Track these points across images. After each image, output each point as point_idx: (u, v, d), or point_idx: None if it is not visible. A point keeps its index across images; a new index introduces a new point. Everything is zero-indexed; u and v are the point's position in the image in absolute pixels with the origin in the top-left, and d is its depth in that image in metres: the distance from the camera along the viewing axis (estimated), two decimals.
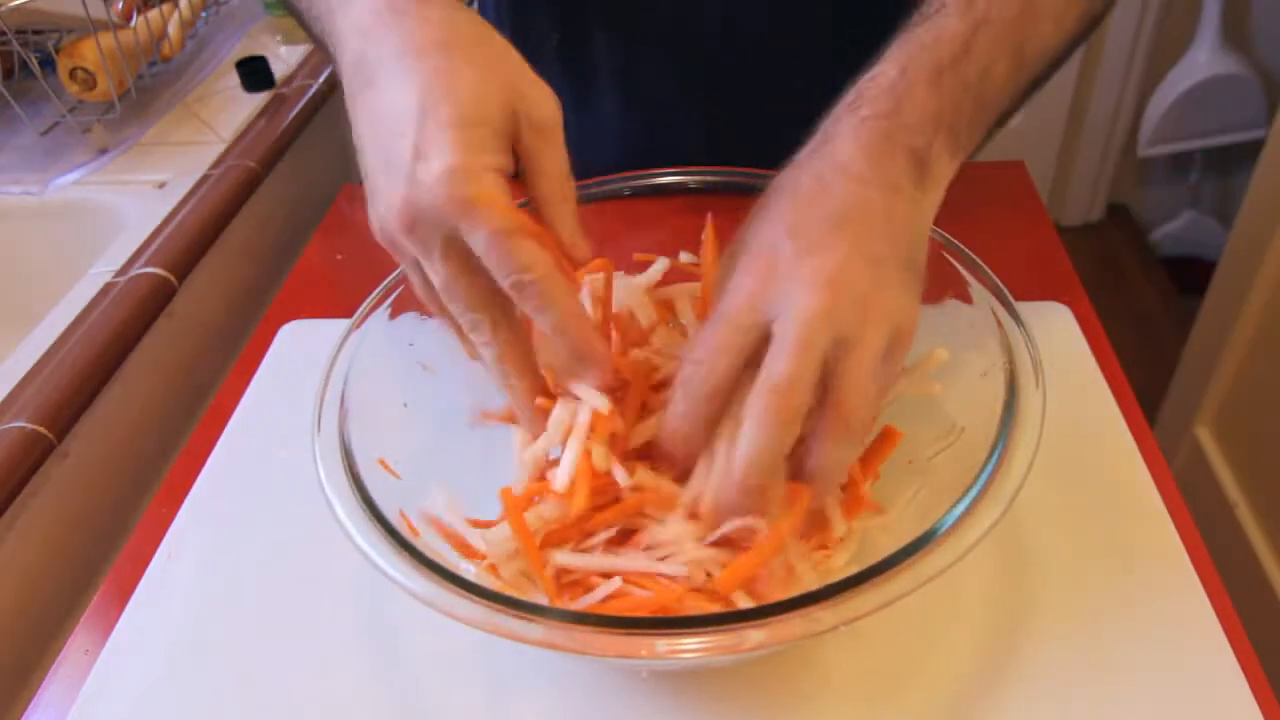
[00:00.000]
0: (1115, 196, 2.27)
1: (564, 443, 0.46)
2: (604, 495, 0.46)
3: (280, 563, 0.55)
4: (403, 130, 0.41)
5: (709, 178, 0.61)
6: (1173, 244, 2.16)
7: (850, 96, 0.45)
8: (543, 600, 0.45)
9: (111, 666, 0.51)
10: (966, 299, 0.51)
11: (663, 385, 0.50)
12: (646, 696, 0.47)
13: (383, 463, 0.48)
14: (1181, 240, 2.15)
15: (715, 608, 0.43)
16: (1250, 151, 1.44)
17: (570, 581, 0.46)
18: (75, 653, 0.53)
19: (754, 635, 0.37)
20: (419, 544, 0.42)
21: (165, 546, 0.57)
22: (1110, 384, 0.61)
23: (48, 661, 0.53)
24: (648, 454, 0.47)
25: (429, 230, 0.41)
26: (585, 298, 0.53)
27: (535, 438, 0.47)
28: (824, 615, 0.37)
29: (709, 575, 0.44)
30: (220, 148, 0.95)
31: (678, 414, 0.43)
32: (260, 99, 1.03)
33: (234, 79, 1.05)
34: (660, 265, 0.58)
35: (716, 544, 0.44)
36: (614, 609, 0.44)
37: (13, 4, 0.90)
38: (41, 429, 0.63)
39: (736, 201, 0.59)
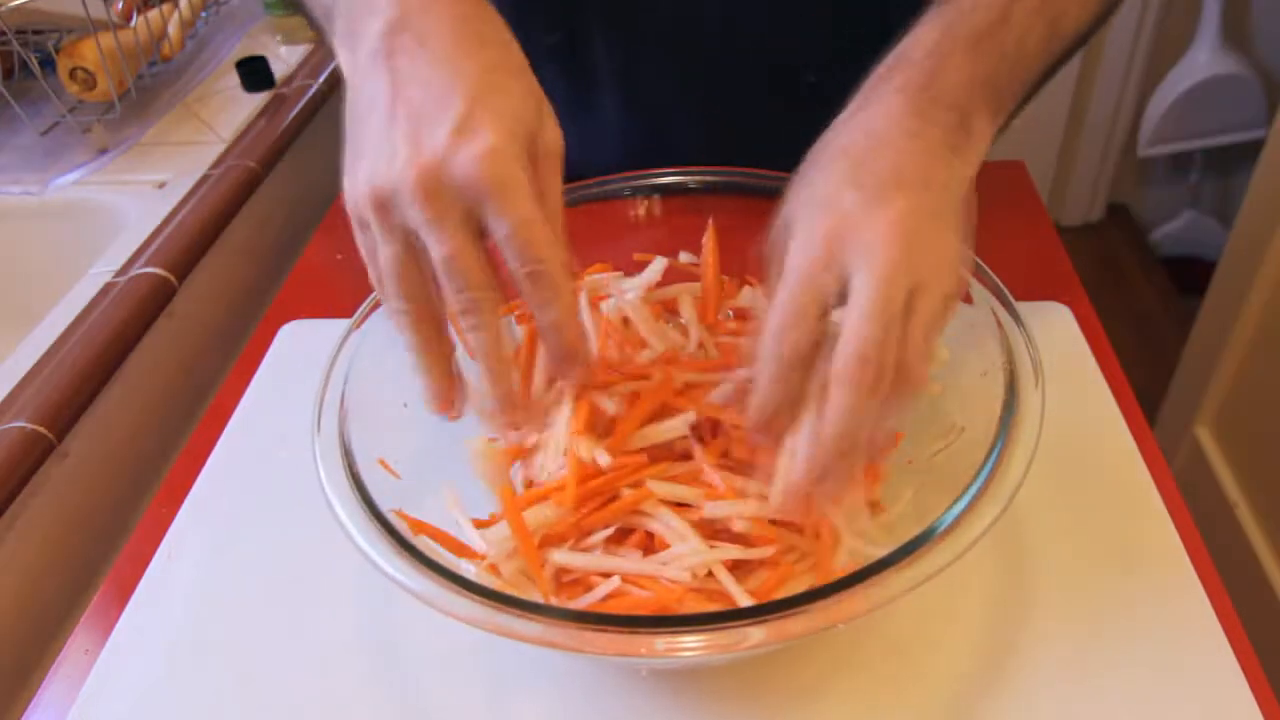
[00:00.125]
0: (1115, 196, 2.27)
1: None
2: (603, 495, 0.46)
3: (280, 563, 0.55)
4: (448, 102, 0.40)
5: (709, 178, 0.61)
6: (1173, 244, 2.16)
7: (890, 59, 0.46)
8: (541, 599, 0.45)
9: (111, 666, 0.51)
10: (966, 299, 0.51)
11: (686, 389, 0.50)
12: (646, 696, 0.47)
13: (383, 463, 0.48)
14: (1181, 240, 2.15)
15: (715, 608, 0.43)
16: (1250, 151, 1.44)
17: (570, 581, 0.46)
18: (75, 653, 0.53)
19: (754, 634, 0.37)
20: (419, 544, 0.42)
21: (165, 546, 0.57)
22: (1110, 384, 0.61)
23: (48, 661, 0.53)
24: (662, 456, 0.47)
25: (450, 200, 0.40)
26: (583, 300, 0.53)
27: (511, 429, 0.47)
28: (823, 614, 0.37)
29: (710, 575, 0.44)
30: (220, 148, 0.95)
31: (767, 386, 0.42)
32: (260, 99, 1.03)
33: (234, 79, 1.05)
34: (659, 265, 0.58)
35: (721, 541, 0.44)
36: (614, 609, 0.44)
37: (13, 4, 0.90)
38: (41, 429, 0.63)
39: (736, 201, 0.59)
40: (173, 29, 1.06)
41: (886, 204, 0.40)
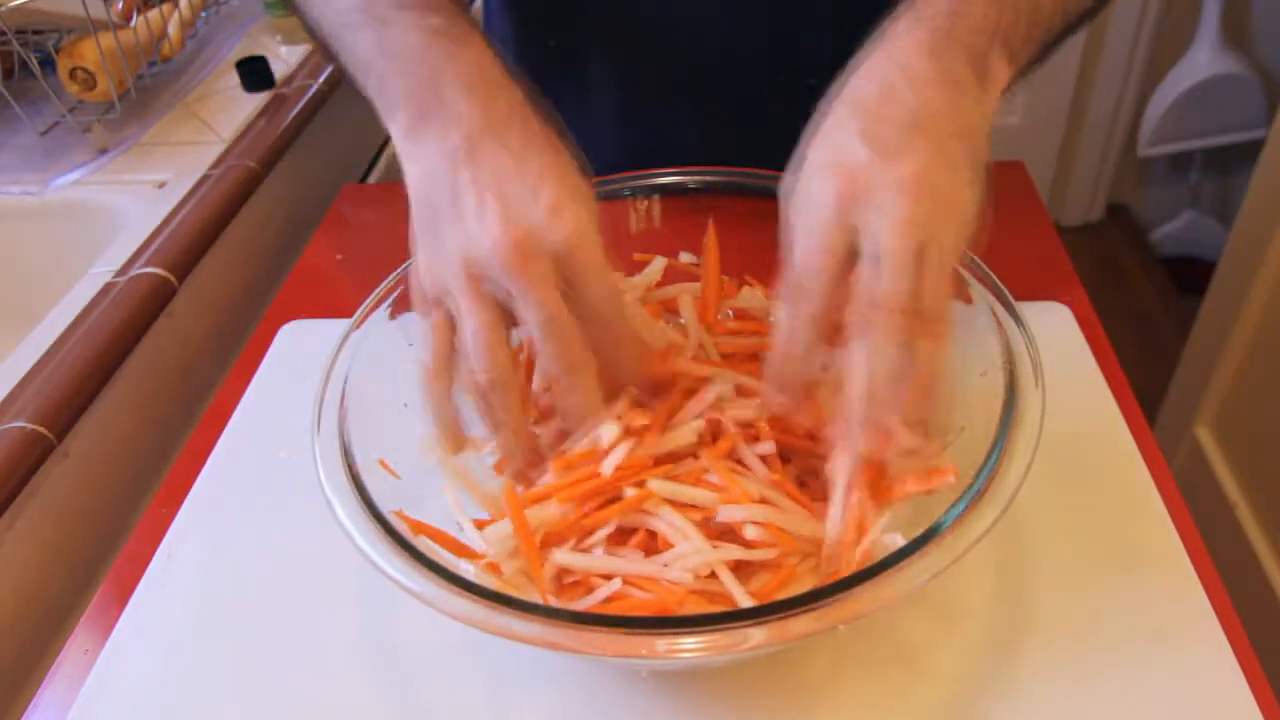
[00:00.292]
0: (1115, 196, 2.27)
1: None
2: (603, 495, 0.46)
3: (280, 563, 0.55)
4: (538, 188, 0.43)
5: (709, 178, 0.61)
6: (1173, 244, 2.16)
7: (903, 7, 0.46)
8: (540, 600, 0.45)
9: (111, 666, 0.51)
10: (966, 299, 0.51)
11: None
12: (646, 696, 0.47)
13: (383, 463, 0.48)
14: (1181, 240, 2.15)
15: (715, 610, 0.43)
16: (1250, 151, 1.44)
17: (571, 583, 0.46)
18: (75, 653, 0.53)
19: (754, 635, 0.37)
20: (419, 544, 0.42)
21: (165, 546, 0.57)
22: (1110, 384, 0.61)
23: (48, 661, 0.53)
24: (665, 458, 0.47)
25: (545, 268, 0.42)
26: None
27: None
28: (824, 614, 0.37)
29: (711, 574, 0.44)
30: (220, 148, 0.95)
31: (788, 342, 0.44)
32: (260, 99, 1.03)
33: (234, 79, 1.05)
34: (658, 265, 0.58)
35: (722, 539, 0.44)
36: (614, 610, 0.44)
37: (13, 4, 0.90)
38: (41, 429, 0.63)
39: (736, 202, 0.59)
40: (173, 29, 1.06)
41: (898, 160, 0.41)
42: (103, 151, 0.96)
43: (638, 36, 0.73)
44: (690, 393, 0.50)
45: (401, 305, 0.53)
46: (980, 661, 0.47)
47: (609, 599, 0.44)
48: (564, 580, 0.46)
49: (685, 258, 0.59)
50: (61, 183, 0.92)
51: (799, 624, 0.37)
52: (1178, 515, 0.53)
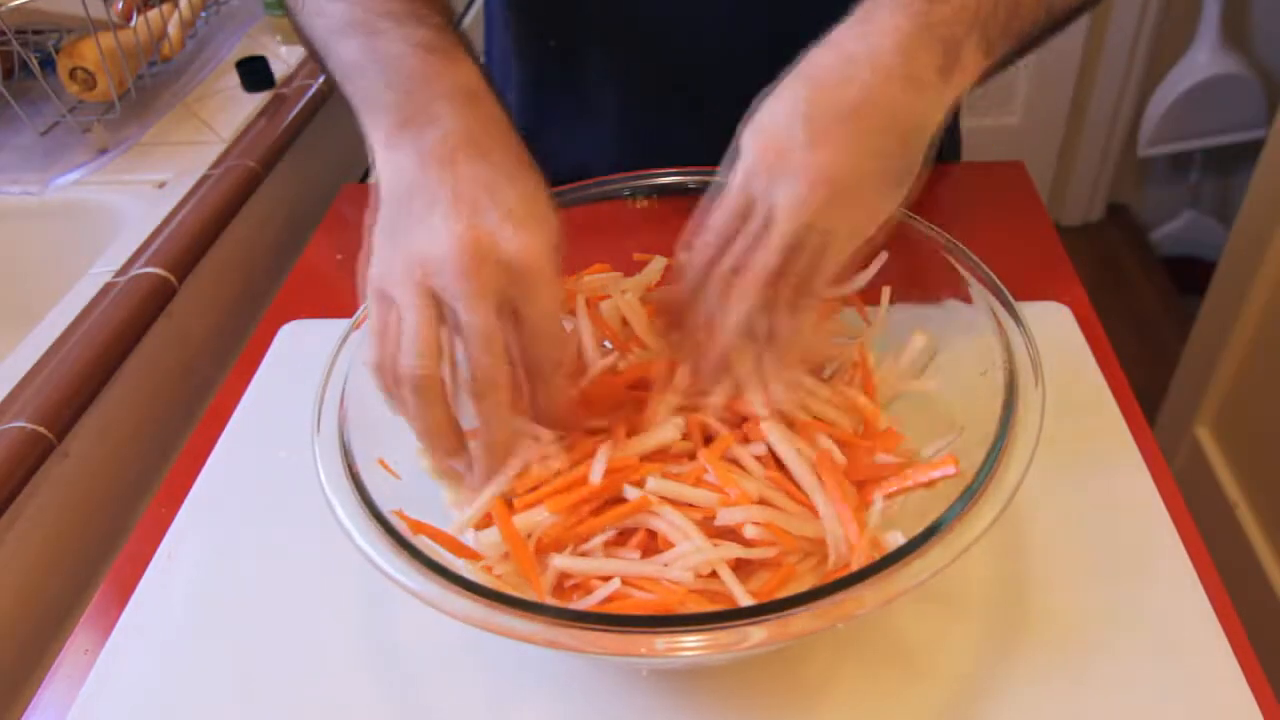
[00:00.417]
0: (1115, 196, 2.27)
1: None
2: (601, 497, 0.46)
3: (280, 563, 0.55)
4: (504, 198, 0.44)
5: (709, 178, 0.60)
6: (1173, 244, 2.16)
7: None
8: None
9: (111, 666, 0.51)
10: (966, 299, 0.51)
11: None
12: (646, 696, 0.47)
13: (382, 463, 0.48)
14: (1181, 240, 2.15)
15: (715, 609, 0.43)
16: (1250, 151, 1.44)
17: (571, 586, 0.46)
18: (75, 653, 0.53)
19: (754, 633, 0.37)
20: (418, 544, 0.42)
21: (165, 546, 0.57)
22: (1110, 384, 0.61)
23: (48, 661, 0.53)
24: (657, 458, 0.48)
25: (491, 277, 0.42)
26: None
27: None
28: (824, 613, 0.37)
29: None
30: (220, 148, 0.95)
31: (686, 286, 0.48)
32: (260, 99, 1.03)
33: (234, 79, 1.05)
34: (658, 265, 0.58)
35: (722, 538, 0.44)
36: (615, 609, 0.44)
37: (13, 4, 0.90)
38: (41, 429, 0.63)
39: None
40: (173, 29, 1.06)
41: (823, 146, 0.43)
42: (103, 151, 0.96)
43: (638, 36, 0.73)
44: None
45: None
46: (979, 660, 0.47)
47: (609, 599, 0.44)
48: (564, 584, 0.46)
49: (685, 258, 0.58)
50: (61, 183, 0.92)
51: (799, 622, 0.37)
52: (1178, 515, 0.53)
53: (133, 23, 0.99)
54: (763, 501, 0.45)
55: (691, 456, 0.48)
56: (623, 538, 0.46)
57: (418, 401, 0.44)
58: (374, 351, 0.45)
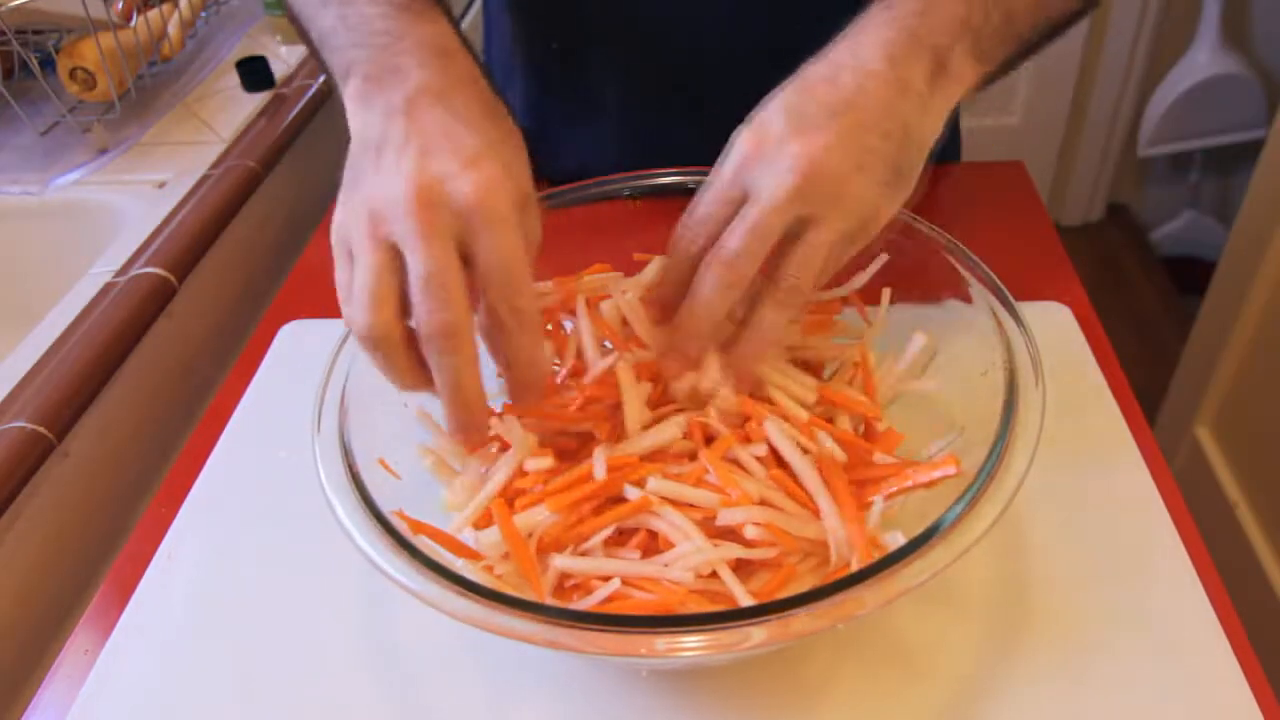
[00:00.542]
0: (1115, 196, 2.27)
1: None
2: (601, 497, 0.46)
3: (280, 563, 0.55)
4: (460, 143, 0.42)
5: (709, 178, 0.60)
6: (1173, 244, 2.16)
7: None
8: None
9: (111, 666, 0.51)
10: (966, 299, 0.51)
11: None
12: (646, 696, 0.47)
13: (383, 463, 0.48)
14: (1181, 240, 2.15)
15: (716, 609, 0.43)
16: (1250, 151, 1.44)
17: (571, 586, 0.46)
18: (75, 653, 0.53)
19: (754, 633, 0.37)
20: (419, 544, 0.42)
21: (165, 546, 0.57)
22: (1110, 384, 0.61)
23: (48, 661, 0.53)
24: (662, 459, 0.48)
25: (443, 218, 0.40)
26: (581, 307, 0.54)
27: (472, 451, 0.49)
28: (824, 613, 0.37)
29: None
30: (220, 148, 0.95)
31: (664, 276, 0.48)
32: (260, 99, 1.03)
33: (234, 79, 1.05)
34: (657, 265, 0.58)
35: (722, 538, 0.44)
36: (615, 610, 0.44)
37: (13, 4, 0.90)
38: (41, 429, 0.63)
39: None
40: (173, 29, 1.06)
41: (806, 134, 0.43)
42: (103, 151, 0.96)
43: (638, 36, 0.73)
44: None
45: None
46: (979, 661, 0.47)
47: (609, 599, 0.44)
48: (564, 584, 0.46)
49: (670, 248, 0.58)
50: (61, 183, 0.92)
51: (799, 623, 0.37)
52: (1178, 515, 0.53)
53: (133, 23, 0.99)
54: (763, 502, 0.45)
55: (692, 456, 0.48)
56: (623, 538, 0.46)
57: (375, 355, 0.42)
58: (342, 307, 0.43)
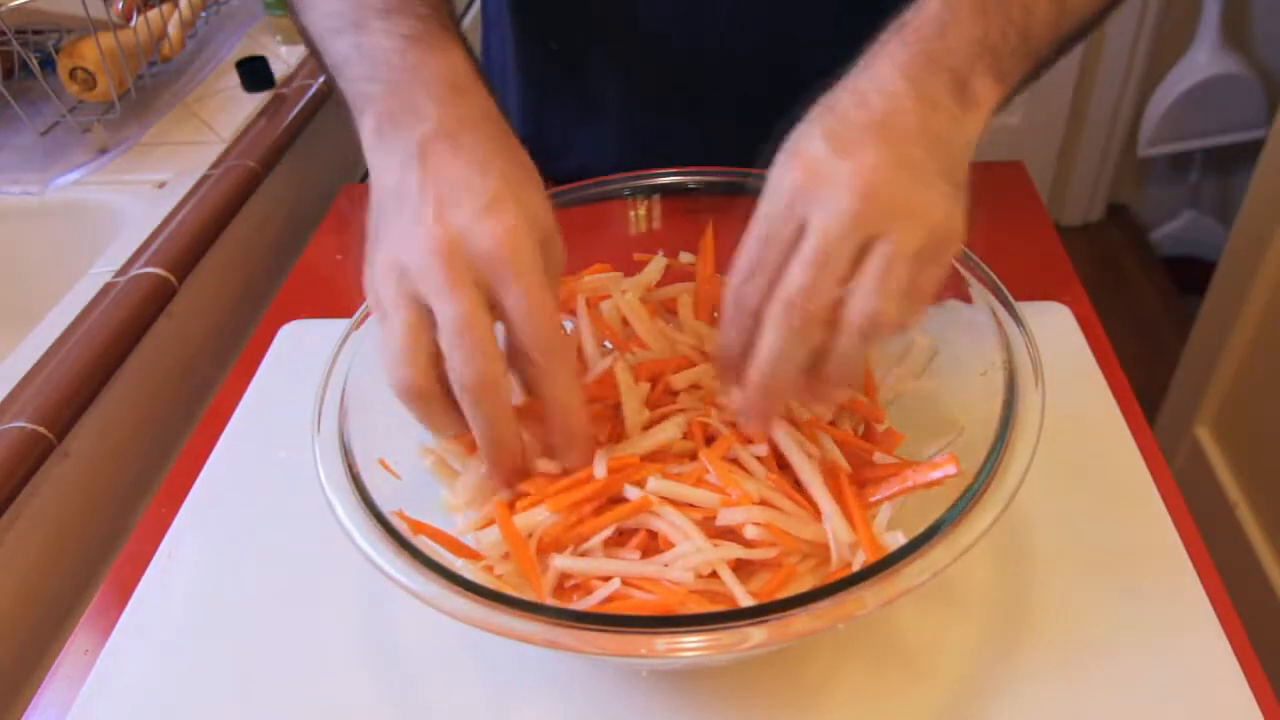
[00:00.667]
0: (1115, 196, 2.27)
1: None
2: (601, 497, 0.46)
3: (280, 563, 0.55)
4: (475, 190, 0.42)
5: (709, 178, 0.61)
6: (1173, 244, 2.16)
7: (895, 25, 0.46)
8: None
9: (111, 666, 0.51)
10: (966, 299, 0.51)
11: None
12: (647, 696, 0.47)
13: (383, 463, 0.48)
14: (1181, 240, 2.15)
15: (716, 609, 0.43)
16: (1250, 151, 1.44)
17: (571, 586, 0.46)
18: (75, 653, 0.53)
19: (754, 634, 0.37)
20: (419, 544, 0.42)
21: (165, 546, 0.57)
22: (1110, 384, 0.61)
23: (48, 661, 0.53)
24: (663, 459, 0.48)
25: (465, 268, 0.41)
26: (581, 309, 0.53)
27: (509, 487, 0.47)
28: (824, 613, 0.37)
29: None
30: (220, 148, 0.95)
31: (725, 331, 0.45)
32: (260, 99, 1.03)
33: (234, 79, 1.05)
34: (658, 264, 0.58)
35: (722, 538, 0.44)
36: (616, 610, 0.44)
37: (13, 4, 0.90)
38: (41, 429, 0.63)
39: (736, 202, 0.59)
40: (173, 29, 1.06)
41: (853, 154, 0.41)
42: (103, 151, 0.96)
43: (638, 37, 0.73)
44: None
45: None
46: (980, 660, 0.47)
47: (609, 599, 0.44)
48: (564, 584, 0.46)
49: (685, 258, 0.59)
50: (61, 183, 0.92)
51: (799, 623, 0.37)
52: (1178, 515, 0.53)
53: (133, 23, 0.99)
54: (764, 502, 0.45)
55: (693, 456, 0.48)
56: (623, 538, 0.46)
57: (413, 408, 0.43)
58: (382, 360, 0.44)
